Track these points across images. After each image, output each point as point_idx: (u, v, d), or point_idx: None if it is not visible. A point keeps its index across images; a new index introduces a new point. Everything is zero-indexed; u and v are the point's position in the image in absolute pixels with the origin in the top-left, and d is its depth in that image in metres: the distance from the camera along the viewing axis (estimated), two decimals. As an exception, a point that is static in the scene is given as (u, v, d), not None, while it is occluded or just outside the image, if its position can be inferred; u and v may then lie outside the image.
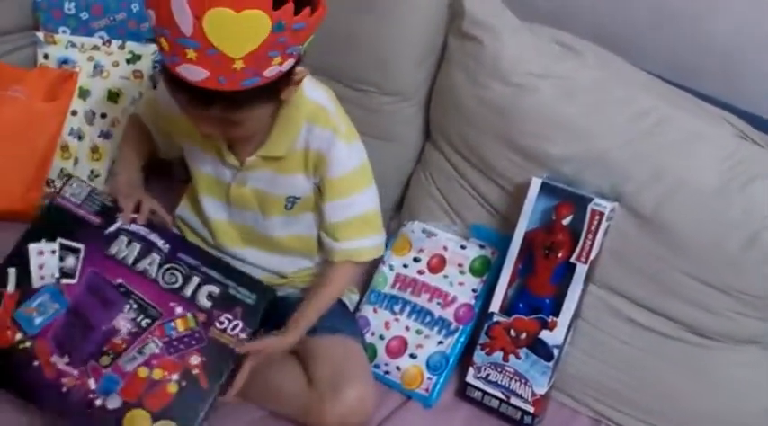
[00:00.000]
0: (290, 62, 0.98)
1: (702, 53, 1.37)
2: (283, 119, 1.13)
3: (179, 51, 0.93)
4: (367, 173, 1.20)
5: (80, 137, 1.50)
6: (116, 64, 1.53)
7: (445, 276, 1.33)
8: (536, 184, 1.22)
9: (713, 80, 1.36)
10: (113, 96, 1.52)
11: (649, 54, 1.40)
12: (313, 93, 1.15)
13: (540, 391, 1.22)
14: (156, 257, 1.14)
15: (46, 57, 1.53)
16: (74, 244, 1.14)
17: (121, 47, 1.54)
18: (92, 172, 1.50)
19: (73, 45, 1.54)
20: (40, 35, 1.53)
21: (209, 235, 1.28)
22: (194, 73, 0.94)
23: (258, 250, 1.27)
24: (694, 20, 1.36)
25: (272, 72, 0.96)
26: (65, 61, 1.52)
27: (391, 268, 1.37)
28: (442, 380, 1.27)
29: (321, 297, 1.20)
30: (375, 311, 1.35)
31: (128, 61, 1.53)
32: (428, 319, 1.31)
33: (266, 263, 1.27)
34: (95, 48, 1.54)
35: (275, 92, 1.03)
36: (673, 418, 1.23)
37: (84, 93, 1.51)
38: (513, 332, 1.23)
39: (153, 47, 1.54)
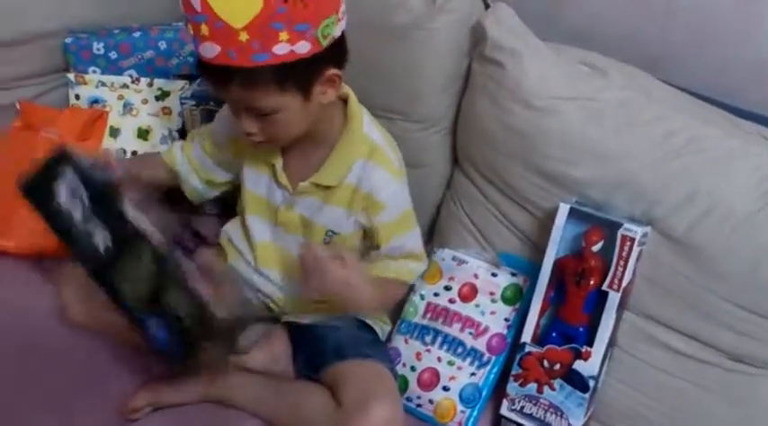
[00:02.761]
0: (303, 44, 0.99)
1: (742, 68, 1.31)
2: (340, 149, 1.17)
3: (197, 31, 0.99)
4: (413, 217, 1.26)
5: (112, 176, 1.52)
6: (145, 101, 1.56)
7: (477, 305, 1.31)
8: (564, 210, 1.19)
9: (753, 95, 1.30)
10: (143, 133, 1.54)
11: (687, 72, 1.36)
12: (372, 131, 1.20)
13: (577, 423, 1.18)
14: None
15: (77, 97, 1.57)
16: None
17: (150, 84, 1.57)
18: (124, 209, 1.52)
19: (103, 84, 1.57)
20: (71, 76, 1.57)
21: (251, 256, 1.30)
22: (210, 50, 0.99)
23: (294, 275, 1.26)
24: (735, 39, 1.31)
25: (282, 50, 0.98)
26: (95, 101, 1.56)
27: (422, 297, 1.35)
28: (475, 413, 1.25)
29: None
30: (406, 342, 1.33)
31: (156, 98, 1.56)
32: (460, 350, 1.29)
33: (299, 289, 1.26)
34: (125, 86, 1.57)
35: (300, 84, 1.04)
36: (713, 448, 1.19)
37: (114, 132, 1.54)
38: (546, 363, 1.20)
39: (181, 83, 1.57)
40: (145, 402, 1.19)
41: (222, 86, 1.04)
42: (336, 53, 1.06)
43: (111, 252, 1.03)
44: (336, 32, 1.04)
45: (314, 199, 1.21)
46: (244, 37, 0.96)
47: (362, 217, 1.20)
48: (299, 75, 1.03)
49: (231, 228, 1.35)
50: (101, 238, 1.03)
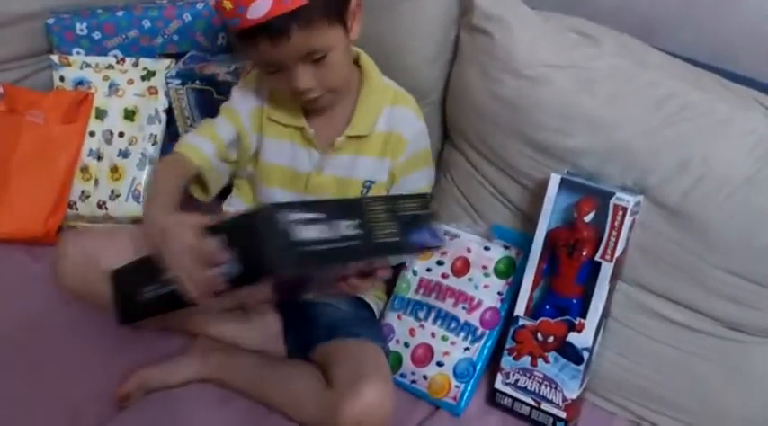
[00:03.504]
0: None
1: (735, 32, 1.29)
2: (364, 100, 1.23)
3: None
4: (431, 156, 1.35)
5: (99, 158, 1.51)
6: (131, 81, 1.53)
7: (470, 279, 1.29)
8: (555, 180, 1.17)
9: (746, 59, 1.28)
10: (130, 114, 1.52)
11: (678, 36, 1.33)
12: (387, 79, 1.28)
13: (572, 395, 1.17)
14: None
15: (62, 79, 1.55)
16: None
17: (135, 64, 1.54)
18: (112, 192, 1.50)
19: (88, 65, 1.54)
20: (55, 58, 1.54)
21: None
22: (260, 7, 1.03)
23: None
24: (731, 4, 1.28)
25: None
26: (80, 82, 1.54)
27: (414, 272, 1.34)
28: (470, 388, 1.24)
29: None
30: (399, 318, 1.31)
31: (142, 78, 1.53)
32: (454, 325, 1.27)
33: None
34: (110, 67, 1.54)
35: (340, 15, 1.11)
36: (708, 415, 1.18)
37: (100, 114, 1.52)
38: (540, 336, 1.19)
39: (166, 61, 1.54)
40: (135, 386, 1.18)
41: (282, 40, 1.06)
42: None
43: None
44: None
45: (346, 155, 1.24)
46: None
47: (390, 161, 1.26)
48: (337, 5, 1.11)
49: (238, 207, 1.31)
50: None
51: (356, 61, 1.26)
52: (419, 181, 1.31)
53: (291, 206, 0.93)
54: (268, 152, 1.27)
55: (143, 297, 1.05)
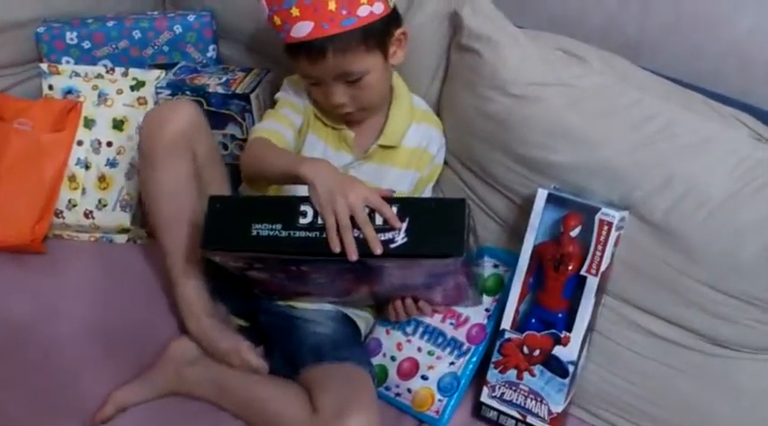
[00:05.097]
0: (378, 5, 1.14)
1: (720, 53, 1.32)
2: (395, 114, 1.29)
3: (287, 16, 1.13)
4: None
5: (87, 167, 1.50)
6: (120, 91, 1.53)
7: (458, 295, 1.30)
8: (542, 196, 1.18)
9: (730, 79, 1.31)
10: (118, 124, 1.52)
11: (664, 58, 1.36)
12: (417, 100, 1.36)
13: (557, 409, 1.18)
14: None
15: (51, 87, 1.55)
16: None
17: (125, 74, 1.55)
18: (99, 201, 1.50)
19: (77, 74, 1.55)
20: (44, 66, 1.55)
21: None
22: (302, 29, 1.12)
23: None
24: (713, 22, 1.31)
25: (364, 11, 1.13)
26: (69, 91, 1.54)
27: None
28: (453, 402, 1.24)
29: None
30: (388, 333, 1.32)
31: (132, 88, 1.54)
32: (440, 340, 1.28)
33: None
34: (99, 76, 1.55)
35: (380, 43, 1.18)
36: (693, 430, 1.19)
37: (89, 123, 1.52)
38: (526, 349, 1.20)
39: (156, 72, 1.55)
40: (113, 408, 1.17)
41: (318, 60, 1.14)
42: (397, 14, 1.23)
43: None
44: None
45: (374, 164, 1.30)
46: (332, 6, 1.10)
47: (414, 174, 1.33)
48: (379, 34, 1.17)
49: None
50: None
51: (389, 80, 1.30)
52: (427, 194, 1.38)
53: (469, 209, 1.03)
54: (306, 148, 1.30)
55: (252, 231, 1.05)
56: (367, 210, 1.02)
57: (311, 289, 1.24)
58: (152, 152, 1.23)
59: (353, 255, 1.00)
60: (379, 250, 0.99)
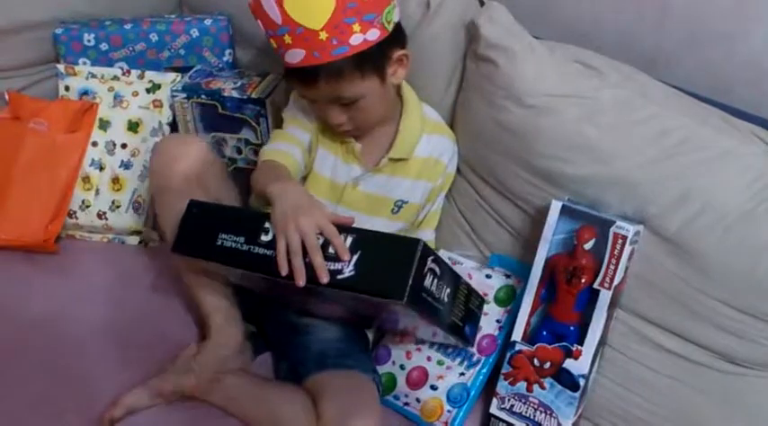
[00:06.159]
0: (373, 32, 1.12)
1: (737, 68, 1.31)
2: (405, 127, 1.29)
3: (281, 42, 1.13)
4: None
5: (101, 168, 1.51)
6: (135, 94, 1.54)
7: (469, 305, 1.30)
8: (556, 207, 1.18)
9: (747, 94, 1.30)
10: (133, 126, 1.52)
11: (679, 72, 1.35)
12: (428, 110, 1.35)
13: (567, 422, 1.17)
14: None
15: (67, 88, 1.55)
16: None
17: (141, 76, 1.55)
18: (113, 202, 1.50)
19: (93, 76, 1.55)
20: (61, 67, 1.55)
21: None
22: (295, 56, 1.13)
23: None
24: (728, 37, 1.30)
25: (356, 40, 1.11)
26: (85, 92, 1.54)
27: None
28: (462, 413, 1.24)
29: None
30: (397, 341, 1.32)
31: (147, 91, 1.54)
32: (450, 350, 1.28)
33: None
34: (115, 78, 1.55)
35: (376, 67, 1.17)
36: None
37: (104, 124, 1.52)
38: (536, 362, 1.19)
39: (172, 75, 1.55)
40: (122, 411, 1.17)
41: (311, 85, 1.15)
42: (399, 36, 1.21)
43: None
44: (396, 17, 1.18)
45: (384, 175, 1.30)
46: (323, 36, 1.09)
47: (426, 184, 1.33)
48: (374, 59, 1.16)
49: None
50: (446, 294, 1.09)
51: (398, 91, 1.31)
52: (437, 203, 1.38)
53: (433, 254, 1.01)
54: (318, 162, 1.31)
55: (217, 241, 1.06)
56: (321, 239, 1.00)
57: (291, 303, 1.24)
58: (162, 190, 1.22)
59: (300, 281, 0.98)
60: (325, 278, 0.97)
